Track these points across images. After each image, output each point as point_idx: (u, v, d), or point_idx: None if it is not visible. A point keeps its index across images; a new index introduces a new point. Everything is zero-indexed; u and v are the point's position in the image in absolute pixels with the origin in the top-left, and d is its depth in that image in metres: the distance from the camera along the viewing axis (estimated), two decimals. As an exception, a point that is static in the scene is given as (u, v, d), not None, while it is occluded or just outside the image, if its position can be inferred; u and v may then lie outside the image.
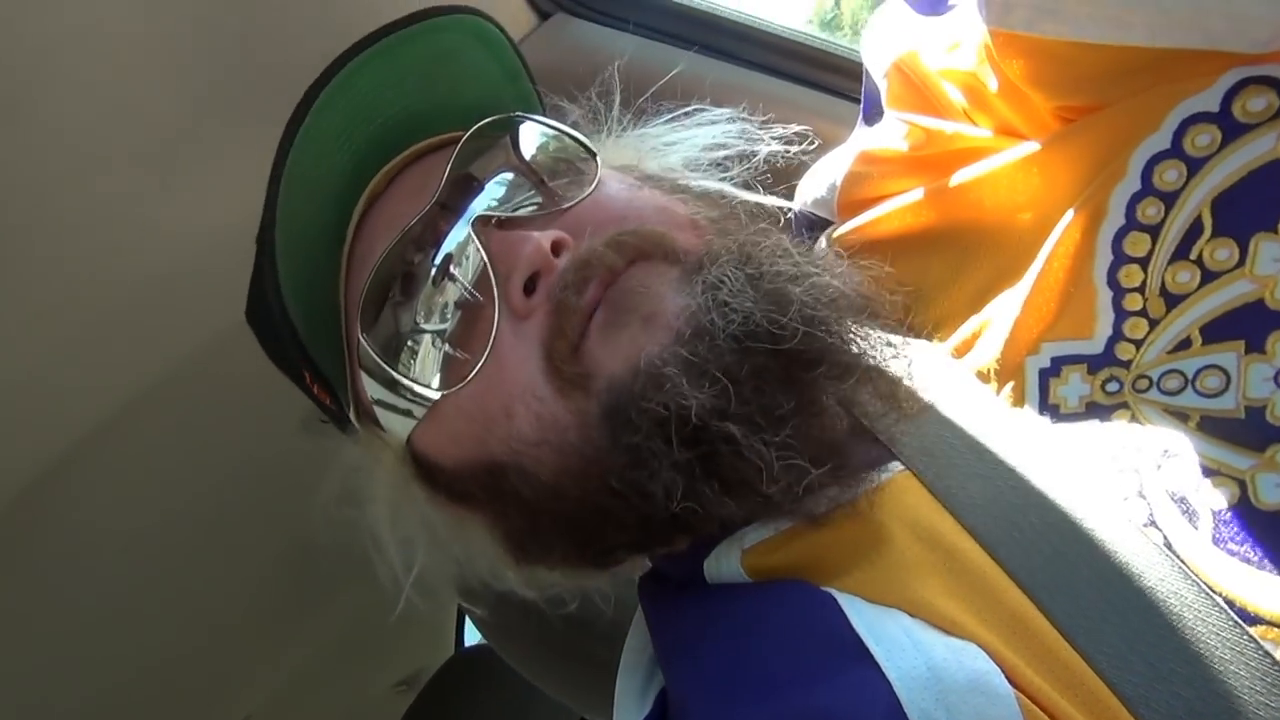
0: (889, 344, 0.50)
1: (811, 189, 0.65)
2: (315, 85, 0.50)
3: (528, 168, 0.55)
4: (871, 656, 0.40)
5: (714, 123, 0.63)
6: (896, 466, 0.49)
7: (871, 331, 0.50)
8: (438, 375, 0.51)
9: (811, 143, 0.61)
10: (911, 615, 0.42)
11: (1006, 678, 0.39)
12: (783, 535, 0.48)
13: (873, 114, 0.63)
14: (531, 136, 0.57)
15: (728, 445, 0.44)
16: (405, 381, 0.51)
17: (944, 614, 0.42)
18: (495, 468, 0.51)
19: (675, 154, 0.62)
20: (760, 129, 0.62)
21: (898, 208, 0.58)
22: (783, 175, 0.63)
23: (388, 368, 0.52)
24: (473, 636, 1.79)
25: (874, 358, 0.49)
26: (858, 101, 0.66)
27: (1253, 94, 0.45)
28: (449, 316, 0.51)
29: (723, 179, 0.61)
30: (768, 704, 0.41)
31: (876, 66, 0.61)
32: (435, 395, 0.51)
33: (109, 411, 0.87)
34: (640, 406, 0.45)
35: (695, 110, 0.63)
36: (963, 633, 0.41)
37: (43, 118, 0.66)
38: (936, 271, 0.56)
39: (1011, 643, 0.41)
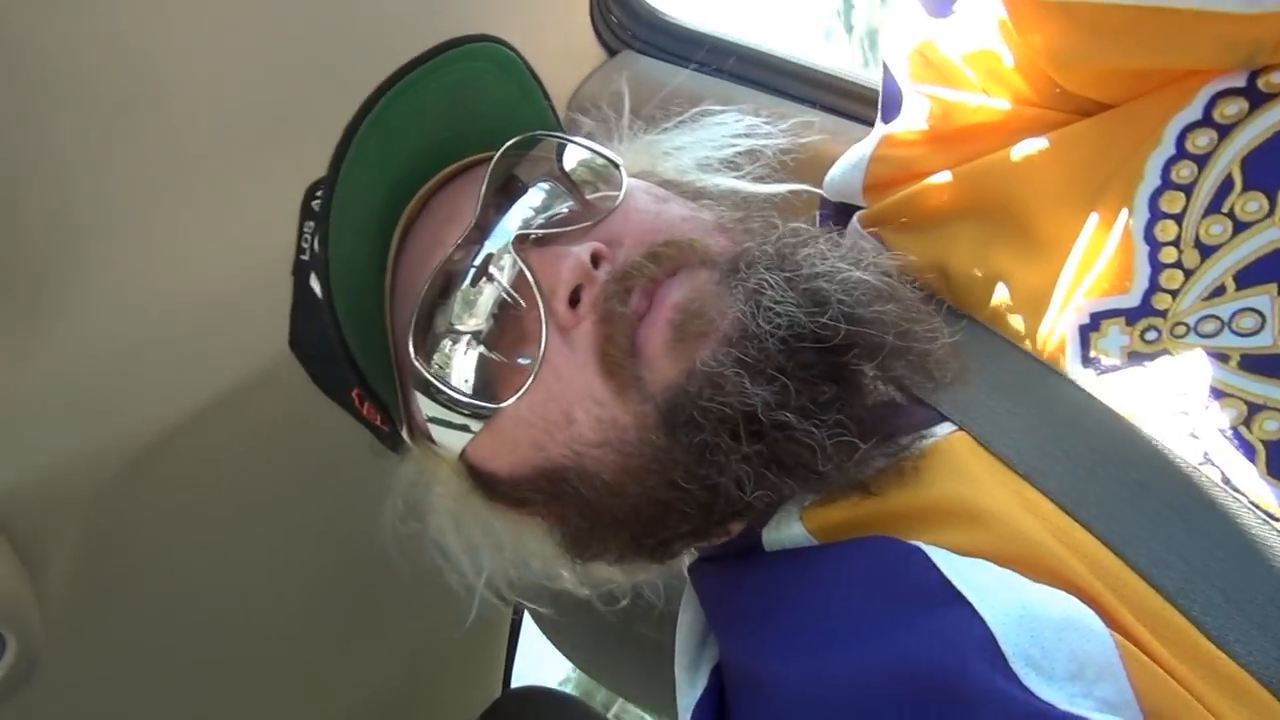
0: (919, 323, 0.52)
1: (836, 176, 0.67)
2: (351, 125, 0.51)
3: (554, 182, 0.57)
4: (964, 598, 0.40)
5: (721, 123, 0.65)
6: (947, 427, 0.51)
7: (902, 314, 0.51)
8: (493, 389, 0.52)
9: (817, 133, 0.63)
10: (999, 565, 0.43)
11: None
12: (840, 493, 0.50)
13: (890, 114, 0.65)
14: (554, 153, 0.58)
15: (785, 433, 0.46)
16: (461, 399, 0.53)
17: (1028, 541, 0.43)
18: (554, 472, 0.52)
19: (687, 156, 0.63)
20: (767, 125, 0.64)
21: (925, 186, 0.60)
22: (794, 173, 0.65)
23: (442, 387, 0.53)
24: (519, 681, 1.77)
25: (905, 338, 0.51)
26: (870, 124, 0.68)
27: (1274, 70, 0.48)
28: (498, 333, 0.52)
29: (737, 177, 0.63)
30: (860, 650, 0.42)
31: (896, 53, 0.63)
32: (493, 408, 0.52)
33: (174, 421, 0.91)
34: (701, 406, 0.47)
35: (702, 113, 0.65)
36: (1050, 559, 0.42)
37: (134, 134, 0.72)
38: (964, 245, 0.58)
39: (1096, 577, 0.42)
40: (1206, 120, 0.50)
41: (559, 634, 1.20)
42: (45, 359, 0.77)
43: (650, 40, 1.09)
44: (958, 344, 0.53)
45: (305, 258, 0.58)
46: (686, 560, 0.61)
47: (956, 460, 0.49)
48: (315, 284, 0.55)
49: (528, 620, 1.64)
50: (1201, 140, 0.49)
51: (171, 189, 0.79)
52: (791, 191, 0.64)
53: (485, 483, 0.57)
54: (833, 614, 0.45)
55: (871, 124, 1.01)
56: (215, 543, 1.05)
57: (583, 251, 0.51)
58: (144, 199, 0.77)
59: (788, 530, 0.51)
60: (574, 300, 0.51)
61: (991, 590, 0.41)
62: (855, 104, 1.03)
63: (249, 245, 0.84)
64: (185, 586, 1.04)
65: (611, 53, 1.10)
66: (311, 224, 0.57)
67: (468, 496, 0.57)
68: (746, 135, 0.64)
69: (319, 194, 0.57)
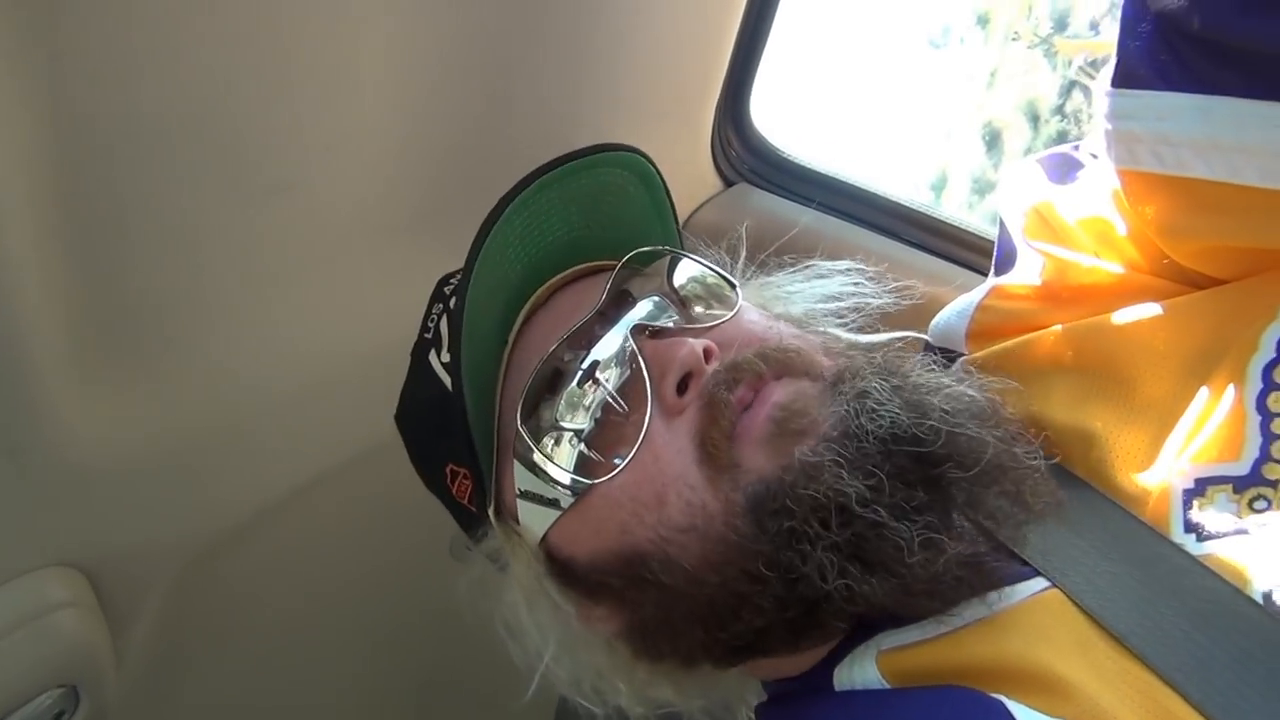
0: (1018, 444, 0.52)
1: (941, 322, 0.68)
2: (504, 199, 0.54)
3: (675, 294, 0.60)
4: None
5: (829, 276, 0.66)
6: (1040, 583, 0.49)
7: (1002, 434, 0.51)
8: (588, 468, 0.53)
9: (919, 296, 0.64)
10: None
11: None
12: (924, 642, 0.49)
13: (1004, 268, 0.66)
14: (679, 269, 0.61)
15: (875, 529, 0.46)
16: (559, 471, 0.54)
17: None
18: (636, 557, 0.52)
19: (796, 303, 0.65)
20: (873, 282, 0.65)
21: (1029, 338, 0.60)
22: (898, 314, 0.65)
23: (542, 458, 0.54)
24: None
25: (1003, 457, 0.50)
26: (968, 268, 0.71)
27: None
28: (603, 413, 0.54)
29: (840, 325, 0.64)
30: None
31: (1013, 209, 0.65)
32: (588, 483, 0.53)
33: (272, 497, 0.93)
34: (795, 494, 0.47)
35: (813, 267, 0.67)
36: None
37: (279, 215, 0.77)
38: (1062, 398, 0.57)
39: None
40: None
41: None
42: (160, 423, 0.80)
43: (766, 175, 1.14)
44: (1052, 478, 0.52)
45: (429, 336, 0.60)
46: (755, 694, 0.60)
47: (1044, 621, 0.47)
48: (434, 361, 0.58)
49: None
50: None
51: (305, 270, 0.83)
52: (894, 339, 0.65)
53: (562, 570, 0.56)
54: None
55: (974, 270, 1.02)
56: (294, 624, 1.05)
57: (697, 344, 0.53)
58: (278, 277, 0.82)
59: (860, 671, 0.50)
60: (681, 388, 0.53)
61: None
62: (959, 249, 1.06)
63: (368, 329, 0.87)
64: (259, 664, 1.05)
65: (728, 183, 1.15)
66: (440, 306, 0.60)
67: (543, 581, 0.58)
68: (852, 294, 0.65)
69: (451, 282, 0.62)
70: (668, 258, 0.62)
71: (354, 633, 1.13)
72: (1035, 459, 0.51)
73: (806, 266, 0.68)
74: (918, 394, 0.51)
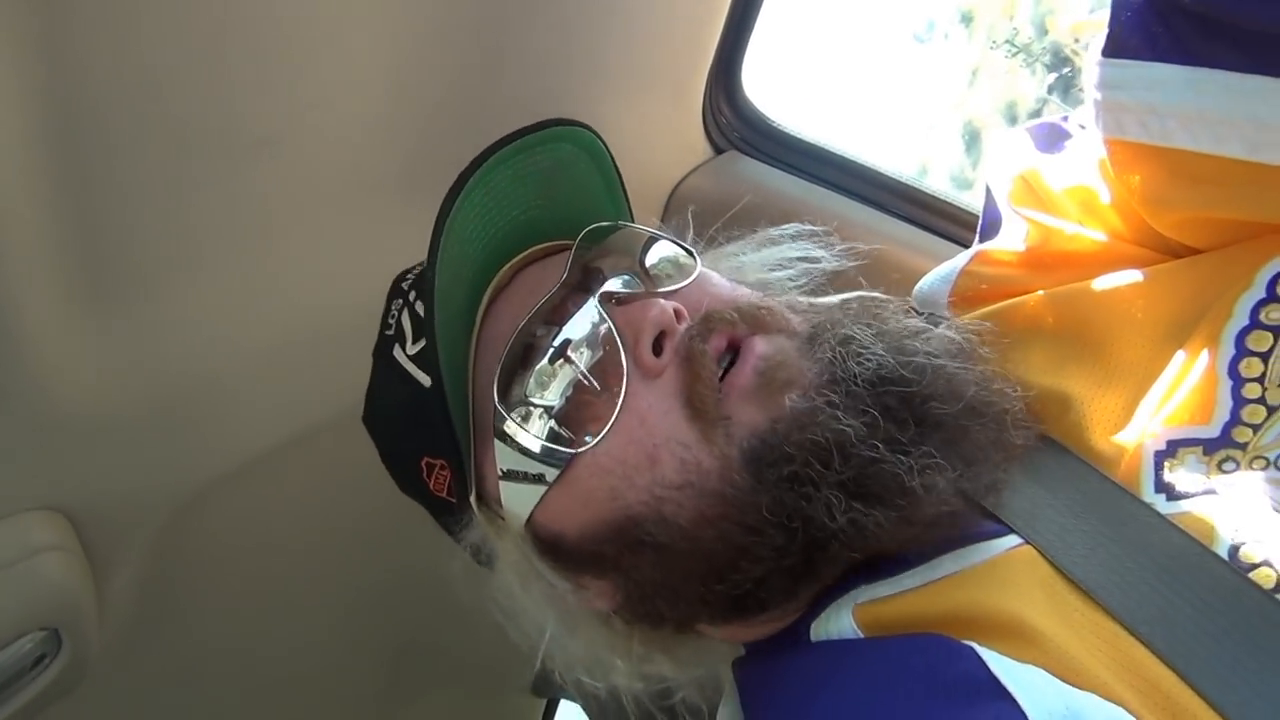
0: (998, 380, 0.54)
1: (925, 287, 0.69)
2: (464, 174, 0.53)
3: (636, 267, 0.60)
4: (1010, 695, 0.40)
5: (780, 242, 0.67)
6: (1014, 540, 0.50)
7: (983, 370, 0.54)
8: (573, 435, 0.53)
9: (864, 258, 0.64)
10: (1048, 671, 0.43)
11: None
12: (898, 595, 0.50)
13: (989, 235, 0.67)
14: (637, 242, 0.62)
15: (874, 464, 0.48)
16: (543, 446, 0.53)
17: (1076, 667, 0.43)
18: (629, 521, 0.52)
19: (750, 272, 0.65)
20: (823, 245, 0.66)
21: (1010, 304, 0.62)
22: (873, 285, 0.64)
23: (526, 433, 0.54)
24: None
25: (986, 392, 0.53)
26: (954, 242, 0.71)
27: None
28: (581, 382, 0.53)
29: (796, 290, 0.65)
30: None
31: (1000, 175, 0.66)
32: (573, 452, 0.52)
33: (256, 452, 0.94)
34: (793, 441, 0.49)
35: (766, 237, 0.68)
36: (1095, 685, 0.42)
37: (265, 169, 0.77)
38: (1039, 362, 0.58)
39: (1145, 700, 0.42)
40: None
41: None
42: (146, 372, 0.80)
43: (755, 143, 1.15)
44: (1029, 414, 0.54)
45: (390, 333, 0.60)
46: (734, 652, 0.60)
47: (1016, 574, 0.49)
48: (400, 355, 0.58)
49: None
50: None
51: (290, 224, 0.83)
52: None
53: (551, 548, 0.56)
54: (875, 706, 0.45)
55: (960, 243, 1.02)
56: (278, 575, 1.06)
57: (667, 305, 0.54)
58: (264, 230, 0.82)
59: (836, 623, 0.51)
60: (657, 350, 0.53)
61: (1039, 690, 0.41)
62: (942, 220, 1.08)
63: (351, 285, 0.87)
64: (241, 613, 1.05)
65: (718, 150, 1.16)
66: (400, 301, 0.60)
67: (533, 561, 0.58)
68: (801, 259, 0.66)
69: (409, 278, 0.61)
70: (625, 232, 0.63)
71: (337, 586, 1.13)
72: (1013, 395, 0.54)
73: (755, 233, 0.68)
74: (899, 338, 0.53)
